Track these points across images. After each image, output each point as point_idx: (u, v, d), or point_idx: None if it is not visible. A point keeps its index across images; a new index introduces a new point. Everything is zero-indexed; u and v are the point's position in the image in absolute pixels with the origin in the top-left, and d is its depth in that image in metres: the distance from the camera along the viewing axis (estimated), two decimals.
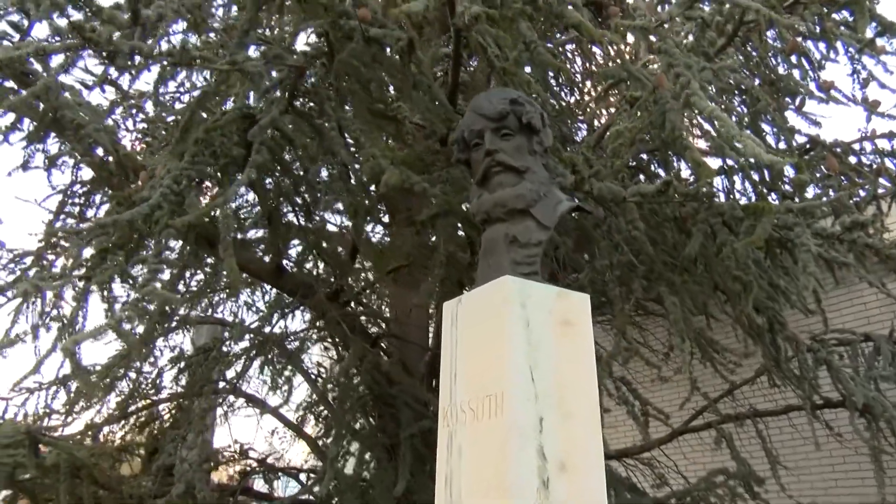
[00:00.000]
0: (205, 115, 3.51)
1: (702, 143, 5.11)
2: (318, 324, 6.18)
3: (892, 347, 5.25)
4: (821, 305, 4.76)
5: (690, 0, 3.17)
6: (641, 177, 5.26)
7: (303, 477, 6.47)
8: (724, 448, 5.45)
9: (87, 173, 4.71)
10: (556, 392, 2.07)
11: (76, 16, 2.33)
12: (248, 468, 6.29)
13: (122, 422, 5.92)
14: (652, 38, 3.08)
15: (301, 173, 4.26)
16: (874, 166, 4.87)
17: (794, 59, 4.51)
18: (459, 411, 2.16)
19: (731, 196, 4.91)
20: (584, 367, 2.20)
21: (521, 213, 2.31)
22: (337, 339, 5.83)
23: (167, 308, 4.72)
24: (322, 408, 6.21)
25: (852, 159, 4.96)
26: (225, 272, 3.93)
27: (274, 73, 3.22)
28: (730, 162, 4.37)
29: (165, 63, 2.55)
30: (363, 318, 6.39)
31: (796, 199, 4.15)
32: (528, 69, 3.69)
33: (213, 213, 3.36)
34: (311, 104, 3.58)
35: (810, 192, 4.73)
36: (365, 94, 3.29)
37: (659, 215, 3.98)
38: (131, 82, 3.83)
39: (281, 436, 8.18)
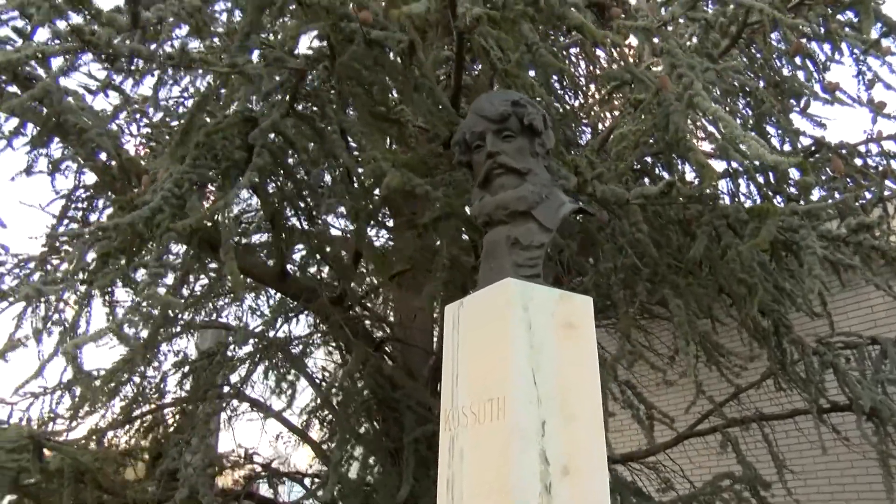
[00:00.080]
0: (207, 118, 3.51)
1: (706, 146, 5.10)
2: (321, 328, 6.17)
3: None
4: (827, 308, 4.73)
5: (693, 0, 3.15)
6: (646, 180, 5.24)
7: (307, 481, 6.46)
8: (730, 452, 5.42)
9: (90, 178, 4.72)
10: (559, 395, 2.06)
11: (77, 19, 2.33)
12: (253, 473, 6.28)
13: (127, 426, 5.92)
14: (655, 39, 3.06)
15: (303, 177, 4.26)
16: (880, 168, 4.85)
17: (798, 60, 4.50)
18: (461, 414, 2.14)
19: (736, 199, 4.89)
20: (587, 370, 2.18)
21: (522, 215, 2.30)
22: (340, 343, 5.82)
23: (170, 312, 4.73)
24: (326, 412, 6.20)
25: (858, 161, 4.93)
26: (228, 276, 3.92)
27: (276, 78, 3.22)
28: (734, 164, 4.36)
29: (165, 65, 2.54)
30: (367, 322, 6.38)
31: (801, 202, 4.13)
32: (531, 73, 3.69)
33: (215, 217, 3.36)
34: (313, 107, 3.58)
35: (816, 194, 4.71)
36: (367, 97, 3.28)
37: (663, 218, 3.96)
38: (133, 87, 3.83)
39: (285, 440, 8.18)
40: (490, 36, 2.90)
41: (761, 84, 4.70)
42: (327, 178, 4.64)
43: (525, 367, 2.03)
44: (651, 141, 4.19)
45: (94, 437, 5.41)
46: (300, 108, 3.48)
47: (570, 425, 2.04)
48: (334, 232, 6.06)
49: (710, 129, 4.31)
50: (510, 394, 1.98)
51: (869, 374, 5.12)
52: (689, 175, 5.09)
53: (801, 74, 4.59)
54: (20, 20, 2.80)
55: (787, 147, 4.69)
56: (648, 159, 5.22)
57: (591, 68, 6.89)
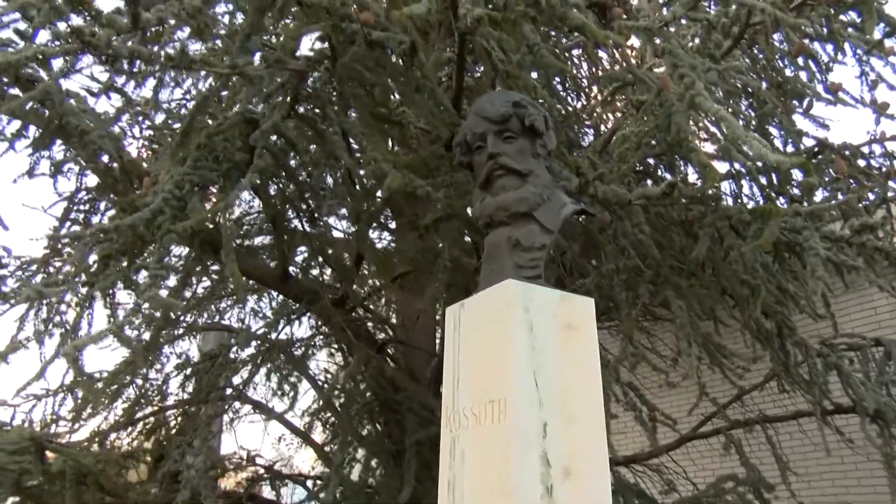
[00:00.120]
0: (210, 120, 3.51)
1: (709, 147, 5.09)
2: (323, 330, 6.17)
3: None
4: (830, 310, 4.71)
5: (694, 0, 3.14)
6: (648, 182, 5.23)
7: (310, 484, 6.45)
8: (733, 454, 5.40)
9: (92, 180, 4.72)
10: (560, 397, 2.05)
11: (78, 21, 2.33)
12: (256, 475, 6.28)
13: (129, 428, 5.92)
14: (656, 39, 3.06)
15: (305, 178, 4.26)
16: (883, 169, 4.83)
17: (801, 61, 4.49)
18: (462, 416, 2.13)
19: (739, 200, 4.87)
20: (589, 372, 2.17)
21: (524, 216, 2.29)
22: (343, 346, 5.81)
23: (171, 314, 4.73)
24: (329, 414, 6.19)
25: (861, 162, 4.92)
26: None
27: (278, 79, 3.22)
28: (737, 166, 4.35)
29: (165, 67, 2.54)
30: (370, 324, 6.38)
31: (805, 203, 4.11)
32: (534, 74, 3.68)
33: (216, 219, 3.35)
34: (314, 109, 3.57)
35: (819, 195, 4.70)
36: (368, 99, 3.28)
37: (665, 219, 3.95)
38: (135, 89, 3.83)
39: (288, 442, 8.18)
40: (491, 37, 2.89)
41: (764, 85, 4.69)
42: (329, 179, 4.64)
43: (526, 369, 2.02)
44: (653, 142, 4.18)
45: (96, 440, 5.41)
46: (301, 109, 3.47)
47: (571, 427, 2.03)
48: (336, 234, 6.07)
49: (713, 129, 4.31)
50: (511, 395, 1.97)
51: (873, 376, 5.10)
52: (692, 177, 5.08)
53: (803, 75, 4.58)
54: (22, 23, 2.81)
55: (790, 148, 4.67)
56: (651, 161, 5.21)
57: (594, 70, 6.88)
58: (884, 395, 4.89)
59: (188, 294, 5.96)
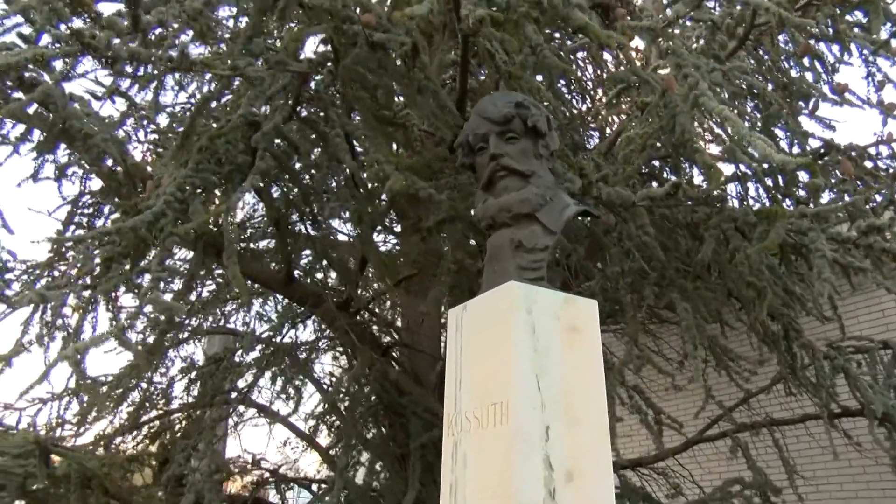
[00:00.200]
0: (214, 123, 3.51)
1: (714, 149, 5.07)
2: (328, 333, 6.17)
3: None
4: (837, 312, 4.68)
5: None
6: (654, 184, 5.21)
7: (315, 487, 6.45)
8: (739, 457, 5.37)
9: (96, 184, 4.73)
10: (563, 400, 2.03)
11: (77, 23, 2.33)
12: (261, 479, 6.28)
13: (134, 432, 5.92)
14: (660, 39, 3.04)
15: (308, 181, 4.25)
16: (891, 170, 4.81)
17: (806, 61, 4.46)
18: (464, 419, 2.12)
19: (745, 202, 4.85)
20: (592, 375, 2.15)
21: (526, 217, 2.27)
22: (347, 349, 5.81)
23: (176, 317, 4.73)
24: (334, 418, 6.19)
25: (868, 163, 4.89)
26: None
27: (280, 81, 3.21)
28: (743, 167, 4.32)
29: (165, 68, 2.54)
30: (375, 327, 6.37)
31: (811, 204, 4.09)
32: (539, 77, 3.66)
33: (220, 222, 3.35)
34: (317, 111, 3.57)
35: (825, 197, 4.67)
36: (371, 101, 3.27)
37: (671, 221, 3.93)
38: (140, 92, 3.84)
39: (293, 446, 8.17)
40: (494, 38, 2.88)
41: (769, 86, 4.66)
42: (332, 182, 4.64)
43: (528, 371, 2.00)
44: (658, 144, 4.16)
45: (101, 443, 5.42)
46: (304, 112, 3.47)
47: (574, 430, 2.01)
48: (341, 237, 6.07)
49: (718, 131, 4.29)
50: (513, 398, 1.95)
51: (881, 379, 5.07)
52: (697, 179, 5.06)
53: (809, 76, 4.55)
54: (26, 27, 2.82)
55: (795, 149, 4.65)
56: (656, 163, 5.19)
57: (599, 72, 6.87)
58: (892, 398, 4.86)
59: (193, 298, 5.97)
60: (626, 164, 3.87)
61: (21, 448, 4.18)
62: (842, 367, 4.85)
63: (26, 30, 2.85)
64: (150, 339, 5.35)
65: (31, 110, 3.44)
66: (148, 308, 2.80)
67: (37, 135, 3.87)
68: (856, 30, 3.84)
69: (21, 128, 3.74)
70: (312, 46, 5.11)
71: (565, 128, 4.26)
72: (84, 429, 5.27)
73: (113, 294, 4.38)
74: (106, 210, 4.77)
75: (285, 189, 4.32)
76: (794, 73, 4.76)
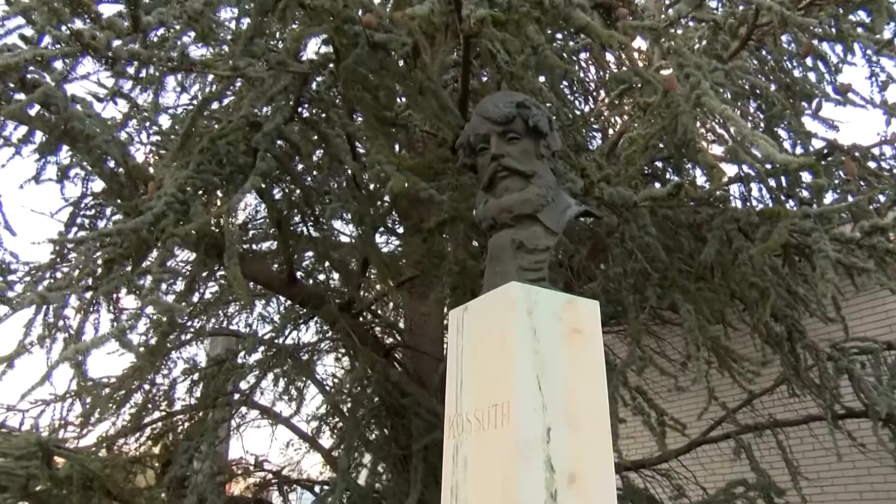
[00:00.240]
0: (216, 125, 3.51)
1: (717, 150, 5.05)
2: (329, 334, 6.16)
3: None
4: (841, 313, 4.67)
5: None
6: (657, 185, 5.20)
7: (318, 489, 6.45)
8: (743, 459, 5.36)
9: (98, 185, 4.73)
10: (565, 401, 2.02)
11: (78, 24, 2.32)
12: (263, 480, 6.27)
13: (137, 434, 5.92)
14: (662, 39, 3.03)
15: (310, 182, 4.25)
16: (894, 171, 4.79)
17: (809, 61, 4.45)
18: (465, 421, 2.11)
19: (748, 203, 4.83)
20: (594, 376, 2.14)
21: (528, 218, 2.27)
22: (349, 350, 5.80)
23: (178, 319, 4.73)
24: (337, 419, 6.18)
25: (872, 164, 4.87)
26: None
27: (281, 82, 3.21)
28: (746, 168, 4.31)
29: (165, 69, 2.54)
30: (378, 328, 6.36)
31: (814, 205, 4.07)
32: (542, 78, 3.66)
33: (221, 223, 3.35)
34: (319, 112, 3.56)
35: (829, 197, 4.66)
36: (373, 102, 3.26)
37: (674, 222, 3.92)
38: (142, 93, 3.84)
39: (296, 447, 8.17)
40: (495, 38, 2.87)
41: (772, 87, 4.65)
42: (334, 183, 4.63)
43: (530, 373, 1.99)
44: (661, 145, 4.15)
45: (103, 445, 5.42)
46: (306, 113, 3.46)
47: (576, 432, 2.00)
48: (344, 238, 6.06)
49: (720, 131, 4.27)
50: (514, 400, 1.94)
51: (885, 380, 5.05)
52: (700, 180, 5.05)
53: (812, 76, 4.54)
54: (28, 29, 2.81)
55: (799, 150, 4.63)
56: (659, 164, 5.18)
57: (602, 73, 6.86)
58: None
59: (196, 299, 5.97)
60: (628, 164, 3.86)
61: (24, 449, 4.18)
62: (846, 368, 4.84)
63: (28, 31, 2.85)
64: (153, 341, 5.35)
65: (33, 112, 3.45)
66: (150, 309, 2.80)
67: (39, 136, 3.88)
68: (859, 29, 3.82)
69: (23, 129, 3.75)
70: (314, 47, 5.11)
71: (568, 129, 4.24)
72: (87, 430, 5.27)
73: (114, 295, 4.38)
74: (108, 212, 4.76)
75: (287, 190, 4.31)
76: (796, 74, 4.75)
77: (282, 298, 6.39)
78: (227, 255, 2.82)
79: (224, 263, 3.29)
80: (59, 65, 2.49)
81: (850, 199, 4.30)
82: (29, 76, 3.08)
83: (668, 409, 5.65)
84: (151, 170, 4.07)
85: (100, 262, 3.10)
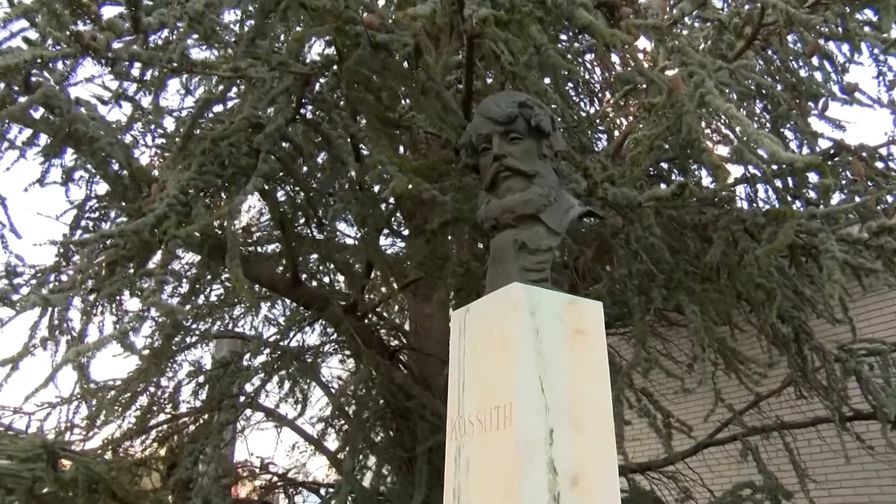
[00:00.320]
0: (219, 125, 3.51)
1: (722, 150, 5.03)
2: (334, 336, 6.16)
3: None
4: (848, 314, 4.64)
5: None
6: (662, 186, 5.18)
7: (324, 491, 6.43)
8: (750, 461, 5.33)
9: (102, 188, 4.73)
10: (568, 403, 2.00)
11: (79, 25, 2.32)
12: (269, 483, 6.27)
13: (143, 436, 5.93)
14: (666, 38, 3.01)
15: (313, 184, 4.24)
16: None
17: (815, 61, 4.42)
18: (467, 423, 2.09)
19: (755, 204, 4.81)
20: (597, 377, 2.12)
21: (530, 218, 2.25)
22: (354, 352, 5.79)
23: (182, 321, 4.73)
24: (342, 421, 6.17)
25: (879, 164, 4.83)
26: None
27: (283, 84, 3.20)
28: (752, 169, 4.29)
29: (165, 69, 2.53)
30: (383, 330, 6.35)
31: (821, 205, 4.05)
32: (546, 80, 3.64)
33: (223, 225, 3.34)
34: (321, 113, 3.56)
35: (836, 197, 4.63)
36: (375, 103, 3.25)
37: (679, 222, 3.90)
38: (144, 96, 3.84)
39: (302, 450, 8.16)
40: (498, 38, 2.86)
41: (778, 87, 4.62)
42: (337, 184, 4.63)
43: (532, 374, 1.97)
44: (666, 146, 4.13)
45: (109, 447, 5.42)
46: (308, 114, 3.46)
47: (579, 434, 1.98)
48: (349, 240, 6.05)
49: (725, 131, 4.25)
50: (517, 401, 1.93)
51: (893, 382, 5.01)
52: (706, 180, 5.03)
53: (818, 76, 4.51)
54: (33, 33, 2.82)
55: (805, 150, 4.61)
56: (664, 165, 5.16)
57: (606, 75, 6.84)
58: None
59: (201, 302, 5.97)
60: (633, 165, 3.85)
61: (29, 452, 4.19)
62: (853, 370, 4.80)
63: (33, 35, 2.85)
64: (158, 344, 5.35)
65: (37, 115, 3.45)
66: (153, 312, 2.79)
67: (43, 139, 3.89)
68: (866, 28, 3.79)
69: (28, 132, 3.76)
70: (317, 48, 5.11)
71: (573, 130, 4.23)
72: (92, 433, 5.28)
73: (117, 298, 4.38)
74: (112, 214, 4.77)
75: (290, 192, 4.31)
76: (803, 73, 4.72)
77: (287, 301, 6.39)
78: (229, 257, 2.81)
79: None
80: (59, 66, 2.49)
81: (858, 199, 4.27)
82: (34, 79, 3.09)
83: (674, 411, 5.64)
84: (156, 172, 4.08)
85: (103, 264, 3.10)
